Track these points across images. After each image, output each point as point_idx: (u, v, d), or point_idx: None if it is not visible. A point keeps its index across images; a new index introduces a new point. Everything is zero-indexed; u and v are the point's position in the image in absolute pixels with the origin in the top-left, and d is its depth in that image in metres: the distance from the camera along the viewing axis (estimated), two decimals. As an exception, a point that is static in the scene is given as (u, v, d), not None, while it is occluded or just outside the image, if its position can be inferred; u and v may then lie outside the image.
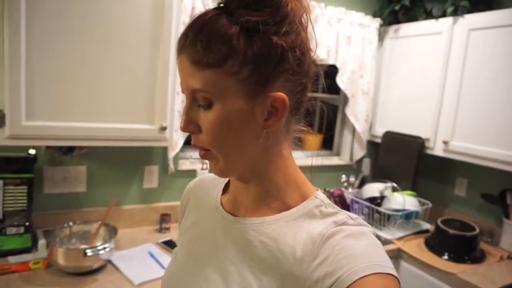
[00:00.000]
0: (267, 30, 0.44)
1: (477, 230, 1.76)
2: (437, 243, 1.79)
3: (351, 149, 2.41)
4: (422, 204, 2.01)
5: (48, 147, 1.47)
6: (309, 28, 0.49)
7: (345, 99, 2.31)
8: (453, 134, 1.87)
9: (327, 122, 2.41)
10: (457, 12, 1.85)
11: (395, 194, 1.99)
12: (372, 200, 2.03)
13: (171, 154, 1.71)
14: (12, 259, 1.29)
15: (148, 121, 1.40)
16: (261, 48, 0.44)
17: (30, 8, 1.14)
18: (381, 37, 2.26)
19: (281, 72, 0.46)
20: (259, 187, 0.52)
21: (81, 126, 1.28)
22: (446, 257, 1.71)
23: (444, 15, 1.93)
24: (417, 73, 2.05)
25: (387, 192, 2.03)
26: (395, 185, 2.08)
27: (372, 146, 2.43)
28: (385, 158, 2.27)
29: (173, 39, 1.38)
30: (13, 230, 1.33)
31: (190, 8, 1.61)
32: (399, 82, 2.18)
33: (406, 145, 2.09)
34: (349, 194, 2.16)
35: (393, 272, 0.42)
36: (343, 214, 0.48)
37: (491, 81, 1.71)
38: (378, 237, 0.47)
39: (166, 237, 1.65)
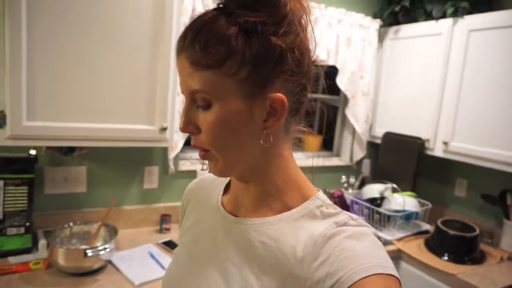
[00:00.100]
0: (266, 30, 0.44)
1: (477, 231, 1.76)
2: (437, 244, 1.79)
3: (351, 150, 2.42)
4: (422, 205, 2.02)
5: (48, 148, 1.47)
6: (309, 28, 0.49)
7: (345, 100, 2.31)
8: (453, 135, 1.87)
9: (327, 123, 2.42)
10: (457, 13, 1.85)
11: (395, 195, 1.99)
12: (372, 201, 2.03)
13: (171, 155, 1.71)
14: (12, 259, 1.29)
15: (149, 121, 1.40)
16: (259, 49, 0.44)
17: (31, 9, 1.14)
18: (381, 38, 2.26)
19: (280, 73, 0.46)
20: (259, 188, 0.52)
21: (82, 127, 1.28)
22: (446, 258, 1.71)
23: (444, 16, 1.93)
24: (417, 74, 2.06)
25: (387, 193, 2.03)
26: (395, 186, 2.08)
27: (372, 147, 2.43)
28: (385, 159, 2.27)
29: (173, 39, 1.39)
30: (13, 231, 1.33)
31: (190, 9, 1.61)
32: (399, 83, 2.18)
33: (406, 146, 2.09)
34: (349, 195, 2.16)
35: (394, 272, 0.42)
36: (344, 215, 0.48)
37: (491, 82, 1.71)
38: (378, 238, 0.47)
39: (166, 237, 1.65)
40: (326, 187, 2.26)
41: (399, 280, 0.42)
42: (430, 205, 2.01)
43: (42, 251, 1.34)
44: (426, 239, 1.88)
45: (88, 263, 1.27)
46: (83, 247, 1.39)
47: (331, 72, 2.15)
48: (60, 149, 1.49)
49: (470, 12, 1.84)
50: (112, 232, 1.44)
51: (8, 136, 1.17)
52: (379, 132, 2.29)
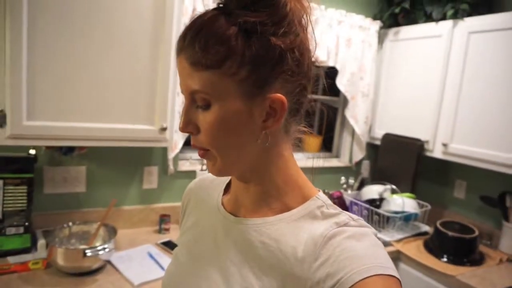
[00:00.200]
0: (265, 31, 0.44)
1: (476, 233, 1.76)
2: (436, 245, 1.79)
3: (350, 151, 2.42)
4: (421, 206, 2.02)
5: (48, 147, 1.47)
6: (309, 29, 0.49)
7: (345, 101, 2.31)
8: (452, 137, 1.87)
9: (326, 124, 2.42)
10: (457, 15, 1.86)
11: (394, 196, 1.99)
12: (371, 202, 2.03)
13: (171, 155, 1.71)
14: (11, 259, 1.29)
15: (149, 121, 1.40)
16: (259, 49, 0.44)
17: (32, 9, 1.14)
18: (381, 39, 2.26)
19: (279, 73, 0.46)
20: (259, 188, 0.52)
21: (82, 126, 1.28)
22: (445, 259, 1.72)
23: (444, 18, 1.93)
24: (417, 75, 2.06)
25: (386, 194, 2.03)
26: (394, 187, 2.08)
27: (372, 148, 2.43)
28: (384, 160, 2.27)
29: (174, 39, 1.39)
30: (12, 230, 1.32)
31: (191, 9, 1.61)
32: (399, 84, 2.19)
33: (405, 147, 2.09)
34: (348, 196, 2.16)
35: (395, 273, 0.42)
36: (345, 215, 0.48)
37: (490, 84, 1.72)
38: (377, 238, 0.48)
39: (165, 238, 1.65)
40: (326, 188, 2.26)
41: (400, 281, 0.42)
42: (429, 207, 2.01)
43: (41, 251, 1.34)
44: (425, 240, 1.89)
45: (87, 263, 1.27)
46: (82, 247, 1.39)
47: (331, 73, 2.15)
48: (59, 148, 1.49)
49: (470, 14, 1.84)
50: (111, 232, 1.44)
51: (8, 135, 1.17)
52: (379, 133, 2.29)
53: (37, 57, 1.18)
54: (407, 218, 1.95)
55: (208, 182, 0.65)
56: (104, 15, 1.26)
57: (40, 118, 1.21)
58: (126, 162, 1.69)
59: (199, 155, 0.50)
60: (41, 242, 1.35)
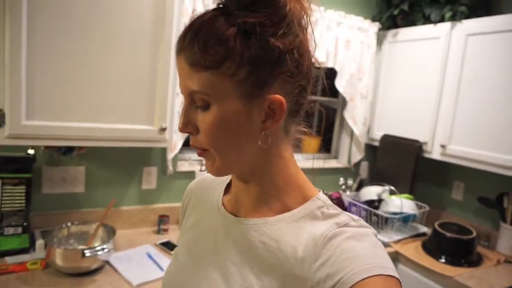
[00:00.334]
0: (264, 31, 0.44)
1: (474, 234, 1.77)
2: (434, 246, 1.80)
3: (349, 152, 2.42)
4: (419, 207, 2.02)
5: (47, 147, 1.47)
6: (309, 30, 0.49)
7: (344, 103, 2.32)
8: (450, 138, 1.88)
9: (325, 125, 2.43)
10: (455, 17, 1.87)
11: (393, 197, 2.00)
12: (370, 203, 2.04)
13: (170, 155, 1.71)
14: (9, 259, 1.28)
15: (148, 122, 1.40)
16: (258, 50, 0.44)
17: (32, 8, 1.14)
18: (380, 41, 2.27)
19: (278, 74, 0.46)
20: (259, 188, 0.52)
21: (81, 126, 1.28)
22: (443, 260, 1.72)
23: (442, 20, 1.94)
24: (415, 77, 2.07)
25: (385, 195, 2.04)
26: (392, 188, 2.09)
27: (370, 149, 2.44)
28: (383, 161, 2.28)
29: (173, 40, 1.39)
30: (10, 230, 1.32)
31: (191, 10, 1.61)
32: (397, 86, 2.19)
33: (404, 149, 2.10)
34: (347, 197, 2.16)
35: (395, 274, 0.42)
36: (345, 216, 0.49)
37: (488, 86, 1.72)
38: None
39: (164, 238, 1.65)
40: (324, 189, 2.26)
41: (400, 281, 0.43)
42: (427, 208, 2.02)
43: (39, 251, 1.34)
44: (423, 241, 1.89)
45: (86, 263, 1.26)
46: (81, 247, 1.39)
47: (330, 74, 2.16)
48: (58, 148, 1.49)
49: (468, 16, 1.85)
50: (110, 233, 1.44)
51: (7, 135, 1.17)
52: (377, 134, 2.30)
53: (37, 57, 1.18)
54: (406, 219, 1.95)
55: (208, 182, 0.65)
56: (104, 15, 1.26)
57: (39, 118, 1.21)
58: (125, 162, 1.69)
59: (198, 154, 0.50)
60: (40, 242, 1.35)
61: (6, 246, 1.31)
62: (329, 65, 2.11)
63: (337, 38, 2.10)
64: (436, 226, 1.83)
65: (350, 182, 2.35)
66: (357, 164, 2.44)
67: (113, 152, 1.64)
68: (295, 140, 0.54)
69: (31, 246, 1.36)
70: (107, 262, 1.36)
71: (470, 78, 1.80)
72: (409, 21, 2.14)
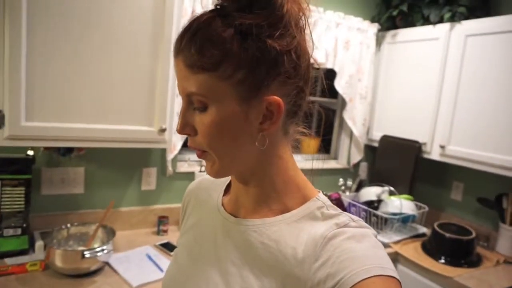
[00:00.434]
0: (261, 33, 0.44)
1: (474, 234, 1.77)
2: (433, 247, 1.80)
3: (348, 153, 2.43)
4: (418, 208, 2.03)
5: (46, 148, 1.47)
6: (307, 31, 0.48)
7: (343, 103, 2.32)
8: (449, 139, 1.88)
9: (325, 126, 2.43)
10: (454, 18, 1.87)
11: (392, 198, 2.00)
12: (369, 203, 2.04)
13: (170, 156, 1.71)
14: (8, 260, 1.28)
15: (148, 122, 1.40)
16: (255, 52, 0.44)
17: (32, 8, 1.14)
18: (379, 42, 2.28)
19: (276, 75, 0.46)
20: (258, 189, 0.52)
21: (81, 127, 1.28)
22: (442, 260, 1.72)
23: (441, 21, 1.95)
24: (414, 78, 2.07)
25: (384, 196, 2.04)
26: (392, 189, 2.09)
27: (370, 150, 2.44)
28: (382, 162, 2.28)
29: (173, 41, 1.39)
30: (10, 232, 1.32)
31: (190, 11, 1.62)
32: (396, 86, 2.20)
33: (403, 149, 2.10)
34: (346, 197, 2.16)
35: (395, 274, 0.42)
36: (345, 216, 0.49)
37: (487, 87, 1.73)
38: (376, 240, 0.48)
39: (164, 239, 1.65)
40: (324, 189, 2.26)
41: (400, 282, 0.43)
42: (426, 208, 2.02)
43: (38, 253, 1.34)
44: (422, 242, 1.89)
45: (86, 264, 1.26)
46: (81, 248, 1.39)
47: (329, 74, 2.16)
48: (58, 149, 1.49)
49: (467, 17, 1.86)
50: (110, 234, 1.43)
51: (6, 136, 1.17)
52: (377, 135, 2.30)
53: (36, 57, 1.18)
54: (405, 219, 1.95)
55: (208, 182, 0.65)
56: (104, 15, 1.26)
57: (39, 119, 1.21)
58: (124, 163, 1.69)
59: (197, 155, 0.50)
60: (39, 243, 1.35)
61: (6, 247, 1.31)
62: (329, 65, 2.11)
63: (337, 39, 2.10)
64: (435, 226, 1.83)
65: (349, 182, 2.35)
66: (357, 165, 2.44)
67: (112, 153, 1.64)
68: (294, 141, 0.54)
69: (31, 248, 1.36)
70: (107, 263, 1.36)
71: (469, 79, 1.80)
72: (408, 22, 2.15)
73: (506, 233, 1.85)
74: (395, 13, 2.15)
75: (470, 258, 1.73)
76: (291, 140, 0.53)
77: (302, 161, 0.61)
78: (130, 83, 1.35)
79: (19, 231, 1.33)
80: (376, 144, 2.32)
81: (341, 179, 2.33)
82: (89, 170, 1.61)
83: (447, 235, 1.76)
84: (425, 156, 2.02)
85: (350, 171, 2.44)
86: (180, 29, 0.48)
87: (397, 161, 2.14)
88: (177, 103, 1.65)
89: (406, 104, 2.12)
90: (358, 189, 2.30)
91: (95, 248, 1.28)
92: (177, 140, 1.70)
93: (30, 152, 1.41)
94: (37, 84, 1.19)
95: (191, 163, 1.91)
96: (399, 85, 2.18)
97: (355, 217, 0.49)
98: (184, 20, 1.57)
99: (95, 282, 1.25)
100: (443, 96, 1.92)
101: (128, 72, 1.34)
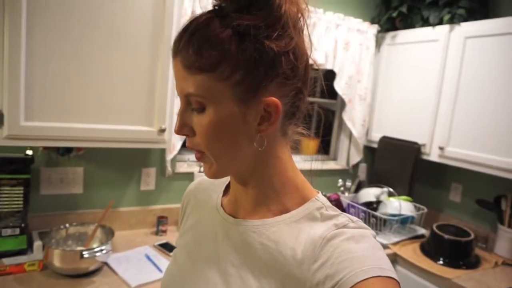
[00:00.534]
0: (259, 34, 0.44)
1: (472, 236, 1.77)
2: (432, 248, 1.80)
3: (347, 154, 2.43)
4: (417, 209, 2.03)
5: (45, 148, 1.47)
6: (306, 32, 0.48)
7: (342, 104, 2.32)
8: (448, 140, 1.89)
9: (324, 126, 2.43)
10: (454, 20, 1.88)
11: (391, 199, 2.00)
12: (368, 204, 2.04)
13: (169, 156, 1.71)
14: (7, 260, 1.28)
15: (147, 123, 1.40)
16: (253, 53, 0.44)
17: (31, 8, 1.14)
18: (379, 43, 2.28)
19: (274, 76, 0.46)
20: (257, 190, 0.52)
21: (80, 127, 1.27)
22: (441, 262, 1.72)
23: (440, 22, 1.95)
24: (414, 79, 2.08)
25: (383, 197, 2.04)
26: (391, 190, 2.09)
27: (369, 151, 2.44)
28: (381, 163, 2.28)
29: (173, 41, 1.39)
30: (8, 232, 1.32)
31: (190, 11, 1.62)
32: (396, 88, 2.20)
33: (402, 151, 2.10)
34: (345, 198, 2.16)
35: (394, 275, 0.42)
36: (344, 217, 0.49)
37: (486, 88, 1.73)
38: (375, 240, 0.48)
39: (163, 239, 1.64)
40: (323, 190, 2.26)
41: (399, 283, 0.43)
42: (425, 210, 2.02)
43: (37, 253, 1.33)
44: (421, 243, 1.89)
45: (84, 264, 1.26)
46: (79, 248, 1.39)
47: (329, 75, 2.16)
48: (57, 149, 1.49)
49: (466, 19, 1.86)
50: (109, 234, 1.43)
51: (5, 135, 1.17)
52: (376, 136, 2.31)
53: (36, 57, 1.17)
54: (404, 221, 1.95)
55: (208, 183, 0.65)
56: (104, 15, 1.26)
57: (38, 119, 1.21)
58: (123, 163, 1.68)
59: (196, 157, 0.51)
60: (37, 243, 1.35)
61: (4, 247, 1.31)
62: (328, 66, 2.12)
63: (336, 40, 2.10)
64: (434, 228, 1.83)
65: (348, 183, 2.36)
66: (356, 166, 2.44)
67: (111, 153, 1.64)
68: (293, 142, 0.54)
69: (29, 247, 1.36)
70: (106, 264, 1.36)
71: (468, 80, 1.81)
72: (408, 24, 2.15)
73: (505, 235, 1.85)
74: (394, 14, 2.15)
75: (468, 260, 1.74)
76: (290, 141, 0.53)
77: (301, 162, 0.61)
78: (130, 83, 1.34)
79: (17, 231, 1.33)
80: (375, 145, 2.32)
81: (340, 180, 2.33)
82: (88, 170, 1.61)
83: (446, 236, 1.76)
84: (424, 157, 2.02)
85: (349, 172, 2.44)
86: (179, 29, 0.48)
87: (396, 162, 2.14)
88: (177, 104, 1.65)
89: (405, 106, 2.13)
90: (357, 190, 2.30)
91: (93, 248, 1.28)
92: (177, 141, 1.70)
93: (29, 152, 1.41)
94: (37, 83, 1.19)
95: (191, 164, 1.90)
96: (399, 86, 2.18)
97: (354, 218, 0.49)
98: (184, 20, 1.56)
99: (94, 282, 1.25)
100: (442, 98, 1.92)
101: (128, 72, 1.34)
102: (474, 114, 1.78)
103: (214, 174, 0.51)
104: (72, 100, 1.25)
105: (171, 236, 1.70)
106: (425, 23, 2.04)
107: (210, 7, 0.47)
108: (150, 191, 1.78)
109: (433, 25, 1.98)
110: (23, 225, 1.34)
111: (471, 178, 2.06)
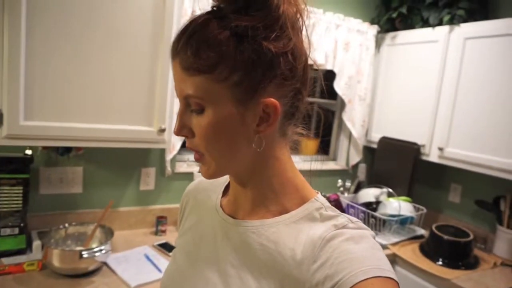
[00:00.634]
0: (257, 35, 0.44)
1: (471, 236, 1.77)
2: (431, 248, 1.80)
3: (347, 154, 2.43)
4: (417, 209, 2.03)
5: (44, 148, 1.47)
6: (304, 32, 0.48)
7: (342, 105, 2.32)
8: (448, 141, 1.89)
9: (324, 127, 2.43)
10: (453, 21, 1.88)
11: (391, 199, 2.00)
12: (368, 205, 2.04)
13: (169, 156, 1.71)
14: (6, 260, 1.28)
15: (147, 123, 1.40)
16: (251, 54, 0.44)
17: (31, 7, 1.14)
18: (378, 43, 2.28)
19: (272, 77, 0.45)
20: (256, 190, 0.52)
21: (80, 127, 1.27)
22: (440, 262, 1.73)
23: (440, 23, 1.95)
24: (413, 80, 2.08)
25: (383, 198, 2.04)
26: (390, 190, 2.09)
27: (368, 152, 2.44)
28: (381, 163, 2.29)
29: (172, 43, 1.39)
30: (7, 231, 1.31)
31: (190, 11, 1.62)
32: (395, 88, 2.20)
33: (402, 151, 2.11)
34: (345, 199, 2.16)
35: (393, 275, 0.42)
36: (344, 217, 0.49)
37: (486, 89, 1.73)
38: (374, 241, 0.48)
39: (162, 239, 1.64)
40: (322, 190, 2.26)
41: (398, 283, 0.43)
42: (425, 210, 2.02)
43: (36, 252, 1.33)
44: (420, 243, 1.90)
45: (83, 264, 1.26)
46: (79, 248, 1.39)
47: (329, 76, 2.16)
48: (56, 149, 1.49)
49: (466, 20, 1.87)
50: (108, 234, 1.43)
51: (4, 135, 1.17)
52: (375, 136, 2.31)
53: (36, 57, 1.17)
54: (403, 221, 1.95)
55: (207, 183, 0.65)
56: (104, 15, 1.26)
57: (38, 118, 1.20)
58: (123, 163, 1.68)
59: (195, 158, 0.50)
60: (37, 243, 1.34)
61: (3, 247, 1.30)
62: (328, 67, 2.12)
63: (336, 40, 2.11)
64: (433, 228, 1.83)
65: (348, 184, 2.36)
66: (355, 166, 2.44)
67: (111, 152, 1.63)
68: (292, 142, 0.54)
69: (28, 247, 1.36)
70: (105, 264, 1.36)
71: (468, 81, 1.81)
72: (408, 24, 2.15)
73: (504, 236, 1.85)
74: (394, 15, 2.15)
75: (467, 260, 1.74)
76: (289, 142, 0.53)
77: (301, 162, 0.61)
78: (130, 83, 1.34)
79: (16, 230, 1.33)
80: (375, 146, 2.32)
81: (339, 180, 2.33)
82: (87, 170, 1.61)
83: (445, 237, 1.76)
84: (424, 158, 2.02)
85: (349, 173, 2.44)
86: (178, 30, 0.48)
87: (396, 163, 2.14)
88: (177, 104, 1.64)
89: (405, 106, 2.13)
90: (357, 190, 2.30)
91: (93, 248, 1.28)
92: (176, 141, 1.70)
93: (28, 151, 1.41)
94: (36, 83, 1.19)
95: (190, 163, 1.90)
96: (398, 87, 2.18)
97: (354, 219, 0.49)
98: (184, 20, 1.56)
99: (93, 282, 1.25)
100: (442, 98, 1.92)
101: (128, 72, 1.34)
102: (473, 115, 1.78)
103: (211, 175, 0.51)
104: (71, 99, 1.25)
105: (171, 236, 1.70)
106: (425, 24, 2.04)
107: (209, 8, 0.47)
108: (150, 191, 1.77)
109: (433, 26, 1.98)
110: (22, 224, 1.34)
111: (471, 179, 2.06)
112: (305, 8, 0.48)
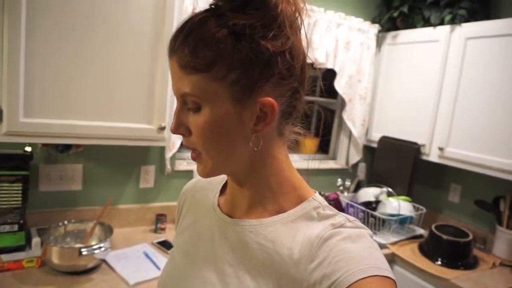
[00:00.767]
0: (255, 34, 0.44)
1: (471, 237, 1.77)
2: (430, 248, 1.80)
3: (347, 153, 2.43)
4: (416, 209, 2.03)
5: (44, 145, 1.47)
6: (303, 31, 0.48)
7: (342, 104, 2.32)
8: (448, 141, 1.89)
9: (324, 126, 2.43)
10: (455, 20, 1.87)
11: (390, 199, 2.00)
12: (367, 204, 2.04)
13: (169, 154, 1.71)
14: (5, 257, 1.28)
15: (147, 120, 1.40)
16: (248, 53, 0.43)
17: (32, 10, 1.14)
18: (379, 42, 2.28)
19: (269, 76, 0.45)
20: (253, 190, 0.52)
21: (80, 124, 1.27)
22: (439, 262, 1.73)
23: (441, 23, 1.95)
24: (414, 79, 2.07)
25: (382, 197, 2.04)
26: (390, 190, 2.09)
27: (368, 151, 2.44)
28: (381, 163, 2.28)
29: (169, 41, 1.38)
30: (6, 228, 1.32)
31: (191, 9, 1.61)
32: (396, 87, 2.20)
33: (402, 151, 2.10)
34: (344, 198, 2.16)
35: (390, 274, 0.42)
36: (341, 217, 0.49)
37: (486, 89, 1.73)
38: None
39: (161, 237, 1.65)
40: (322, 190, 2.26)
41: (395, 282, 0.43)
42: (424, 210, 2.02)
43: (35, 249, 1.33)
44: (420, 243, 1.90)
45: (83, 262, 1.26)
46: (78, 245, 1.39)
47: (329, 75, 2.16)
48: (56, 146, 1.49)
49: (467, 20, 1.86)
50: (107, 231, 1.43)
51: (4, 132, 1.17)
52: (376, 136, 2.30)
53: (36, 57, 1.17)
54: (403, 221, 1.95)
55: (205, 182, 0.65)
56: (105, 14, 1.26)
57: (37, 115, 1.20)
58: (123, 161, 1.68)
59: (192, 157, 0.50)
60: (36, 240, 1.35)
61: (2, 243, 1.31)
62: (329, 66, 2.11)
63: (337, 39, 2.10)
64: (433, 228, 1.83)
65: (348, 183, 2.36)
66: (355, 166, 2.44)
67: (111, 150, 1.63)
68: (290, 141, 0.54)
69: (27, 244, 1.36)
70: (104, 261, 1.36)
71: (468, 81, 1.80)
72: (409, 24, 2.15)
73: (503, 236, 1.85)
74: (395, 14, 2.15)
75: (466, 260, 1.74)
76: (287, 141, 0.53)
77: (300, 161, 0.61)
78: (130, 81, 1.34)
79: (16, 227, 1.33)
80: (375, 145, 2.32)
81: (339, 180, 2.33)
82: (87, 167, 1.61)
83: (444, 237, 1.76)
84: (424, 157, 2.02)
85: (349, 172, 2.44)
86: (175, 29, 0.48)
87: (396, 162, 2.14)
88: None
89: (405, 106, 2.12)
90: (356, 189, 2.30)
91: (92, 246, 1.28)
92: (176, 139, 1.70)
93: (28, 148, 1.41)
94: (36, 82, 1.19)
95: (190, 162, 1.90)
96: (399, 86, 2.18)
97: (351, 218, 0.49)
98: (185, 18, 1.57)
99: (92, 280, 1.25)
100: (443, 98, 1.92)
101: (129, 71, 1.33)
102: (474, 115, 1.78)
103: (207, 174, 0.51)
104: (71, 97, 1.25)
105: (170, 234, 1.70)
106: (426, 23, 2.04)
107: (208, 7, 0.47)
108: (149, 189, 1.78)
109: (434, 25, 1.97)
110: (21, 221, 1.34)
111: (470, 179, 2.06)
112: (304, 7, 0.48)
